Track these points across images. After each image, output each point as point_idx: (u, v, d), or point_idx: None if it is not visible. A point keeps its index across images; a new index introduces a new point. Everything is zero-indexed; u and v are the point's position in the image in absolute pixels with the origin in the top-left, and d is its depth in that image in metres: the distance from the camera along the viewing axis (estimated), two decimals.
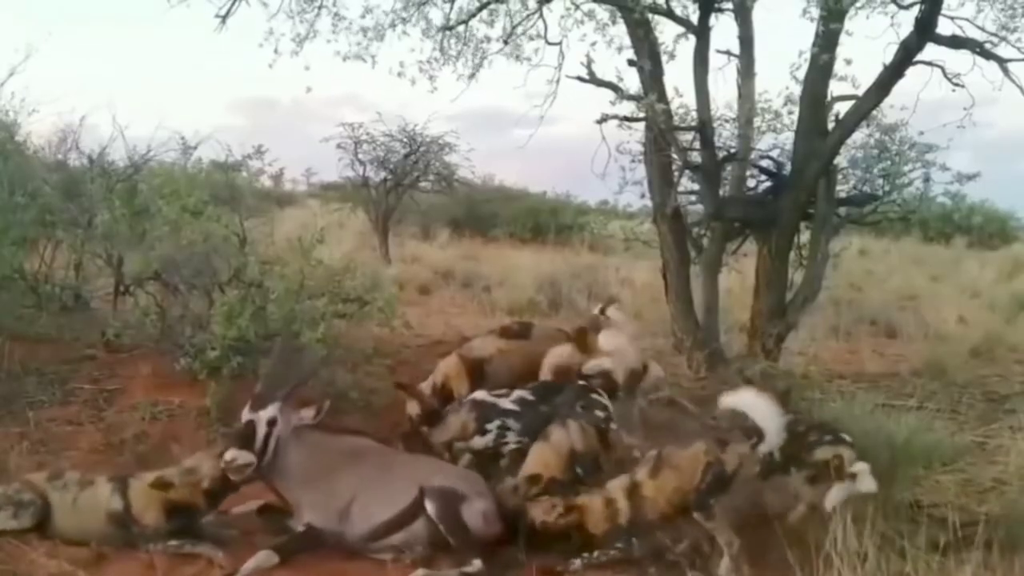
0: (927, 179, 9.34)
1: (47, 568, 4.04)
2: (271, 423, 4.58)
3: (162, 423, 6.22)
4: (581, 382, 5.84)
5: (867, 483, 4.64)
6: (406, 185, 19.47)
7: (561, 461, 5.03)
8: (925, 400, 7.63)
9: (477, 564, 4.35)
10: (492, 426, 5.57)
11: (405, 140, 18.75)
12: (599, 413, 5.45)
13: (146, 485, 4.59)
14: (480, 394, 5.79)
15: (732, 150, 8.90)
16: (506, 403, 5.66)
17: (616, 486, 4.70)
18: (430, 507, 4.52)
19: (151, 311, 7.24)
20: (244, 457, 4.46)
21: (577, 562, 4.51)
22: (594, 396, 5.60)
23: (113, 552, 4.32)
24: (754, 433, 4.52)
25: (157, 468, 5.38)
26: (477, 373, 6.64)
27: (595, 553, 4.54)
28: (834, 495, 4.62)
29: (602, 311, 6.98)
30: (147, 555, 4.30)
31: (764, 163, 9.17)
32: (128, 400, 6.50)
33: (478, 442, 5.57)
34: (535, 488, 4.78)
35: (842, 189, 9.27)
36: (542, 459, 5.03)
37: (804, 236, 9.06)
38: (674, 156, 8.17)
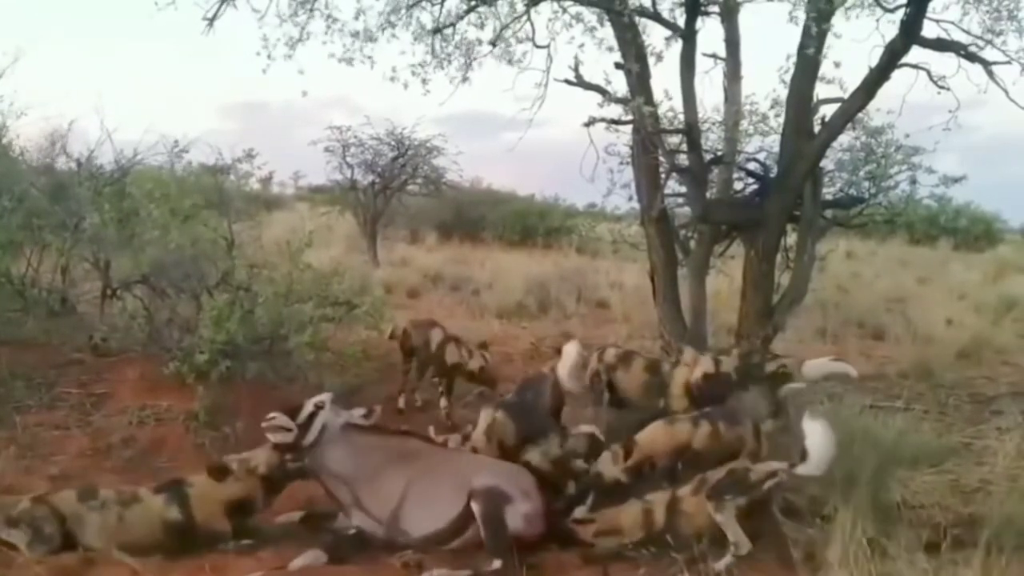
0: (913, 182, 9.38)
1: (35, 572, 4.02)
2: (318, 405, 4.81)
3: (150, 427, 6.21)
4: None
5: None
6: (394, 188, 19.49)
7: (668, 447, 5.16)
8: (912, 401, 7.70)
9: (496, 564, 4.38)
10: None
11: (393, 143, 18.77)
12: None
13: (206, 492, 4.64)
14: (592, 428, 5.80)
15: (719, 153, 8.92)
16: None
17: (657, 499, 4.77)
18: (476, 508, 4.58)
19: (139, 315, 7.23)
20: (283, 420, 4.71)
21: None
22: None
23: (100, 558, 4.30)
24: (800, 455, 4.53)
25: (144, 473, 5.40)
26: None
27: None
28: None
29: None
30: (137, 561, 4.28)
31: (751, 166, 9.18)
32: (116, 404, 6.48)
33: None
34: (636, 457, 5.06)
35: (828, 191, 9.30)
36: (651, 435, 5.21)
37: (791, 238, 9.08)
38: (661, 159, 8.18)
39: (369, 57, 8.28)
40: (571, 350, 6.07)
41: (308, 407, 4.80)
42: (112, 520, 4.44)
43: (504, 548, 4.45)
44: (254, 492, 4.74)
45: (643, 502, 4.77)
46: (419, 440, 5.21)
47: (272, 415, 4.74)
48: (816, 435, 4.48)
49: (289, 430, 4.70)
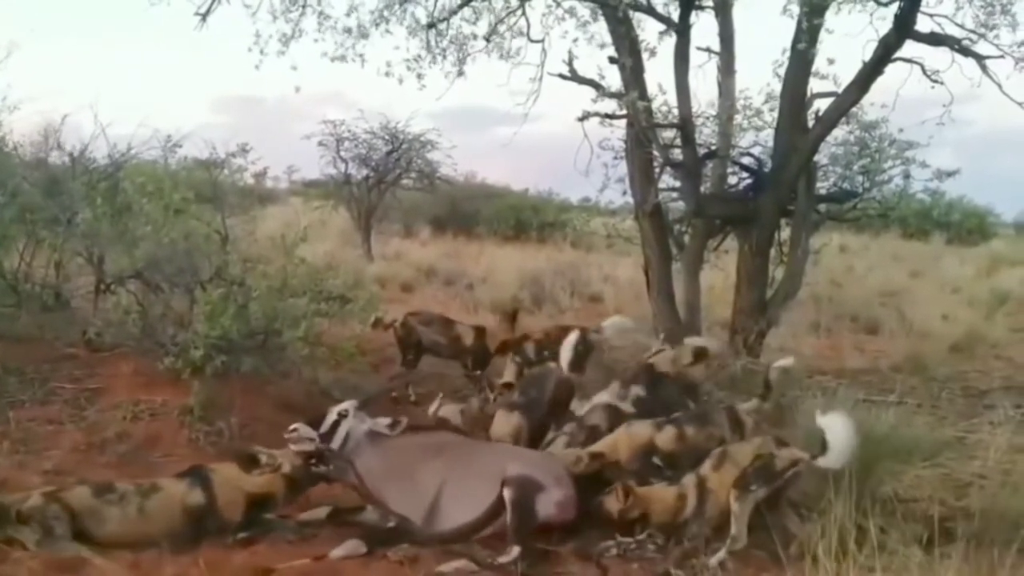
0: (906, 176, 9.45)
1: (30, 567, 4.01)
2: (341, 414, 4.93)
3: (144, 422, 6.16)
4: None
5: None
6: (388, 183, 19.47)
7: (631, 450, 5.15)
8: (905, 395, 7.71)
9: (514, 552, 4.40)
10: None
11: (387, 138, 18.74)
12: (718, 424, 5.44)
13: (230, 476, 4.67)
14: (606, 397, 5.91)
15: (713, 147, 8.94)
16: (627, 406, 5.79)
17: (688, 482, 4.77)
18: (508, 495, 4.61)
19: (132, 310, 7.19)
20: (305, 431, 4.83)
21: (613, 548, 4.64)
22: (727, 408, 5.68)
23: (95, 553, 4.28)
24: (821, 447, 4.53)
25: (139, 468, 5.39)
26: None
27: (632, 542, 4.66)
28: None
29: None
30: (131, 555, 4.27)
31: (745, 160, 9.22)
32: (110, 399, 6.44)
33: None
34: (595, 464, 5.04)
35: (822, 186, 9.33)
36: (612, 442, 5.21)
37: (784, 233, 9.11)
38: (655, 153, 8.20)
39: (360, 55, 8.31)
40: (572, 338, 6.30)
41: (331, 416, 4.90)
42: (133, 512, 4.39)
43: (525, 536, 4.50)
44: (276, 489, 4.76)
45: (678, 487, 4.77)
46: (450, 433, 5.37)
47: (294, 426, 4.83)
48: (836, 427, 4.51)
49: (312, 440, 4.80)
